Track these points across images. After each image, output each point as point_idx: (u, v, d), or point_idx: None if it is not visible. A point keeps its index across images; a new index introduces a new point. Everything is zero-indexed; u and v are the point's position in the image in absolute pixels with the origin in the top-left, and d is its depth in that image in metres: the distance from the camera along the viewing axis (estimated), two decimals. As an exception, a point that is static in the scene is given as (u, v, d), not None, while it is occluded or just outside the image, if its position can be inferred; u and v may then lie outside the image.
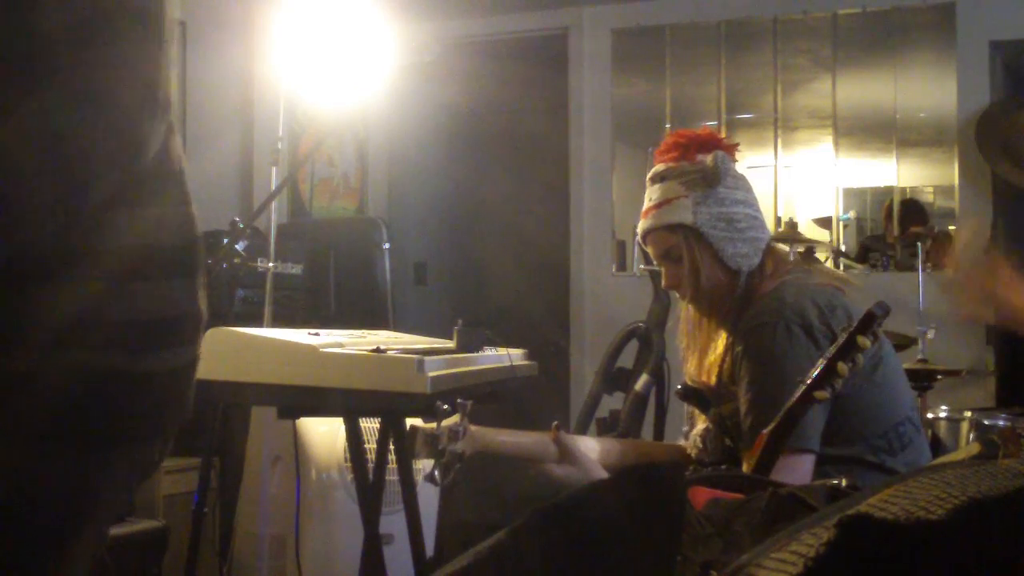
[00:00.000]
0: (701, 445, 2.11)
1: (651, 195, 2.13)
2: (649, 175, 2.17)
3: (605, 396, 3.99)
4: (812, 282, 2.05)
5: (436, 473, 1.86)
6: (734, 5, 5.42)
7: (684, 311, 2.19)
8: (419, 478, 3.02)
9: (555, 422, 2.03)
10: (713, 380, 2.08)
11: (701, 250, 2.05)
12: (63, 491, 1.17)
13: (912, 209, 5.35)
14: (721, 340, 2.09)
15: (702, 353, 2.13)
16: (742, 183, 2.11)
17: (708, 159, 2.08)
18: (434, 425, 1.86)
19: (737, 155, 2.16)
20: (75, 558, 1.19)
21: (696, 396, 2.13)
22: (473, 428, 1.90)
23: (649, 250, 2.18)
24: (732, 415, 2.02)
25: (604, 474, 1.91)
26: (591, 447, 2.11)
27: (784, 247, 2.26)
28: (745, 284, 2.05)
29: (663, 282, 2.18)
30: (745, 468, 1.90)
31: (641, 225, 2.15)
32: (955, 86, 5.06)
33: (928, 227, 5.00)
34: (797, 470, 1.85)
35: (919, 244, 4.38)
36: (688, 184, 2.06)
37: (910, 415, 2.01)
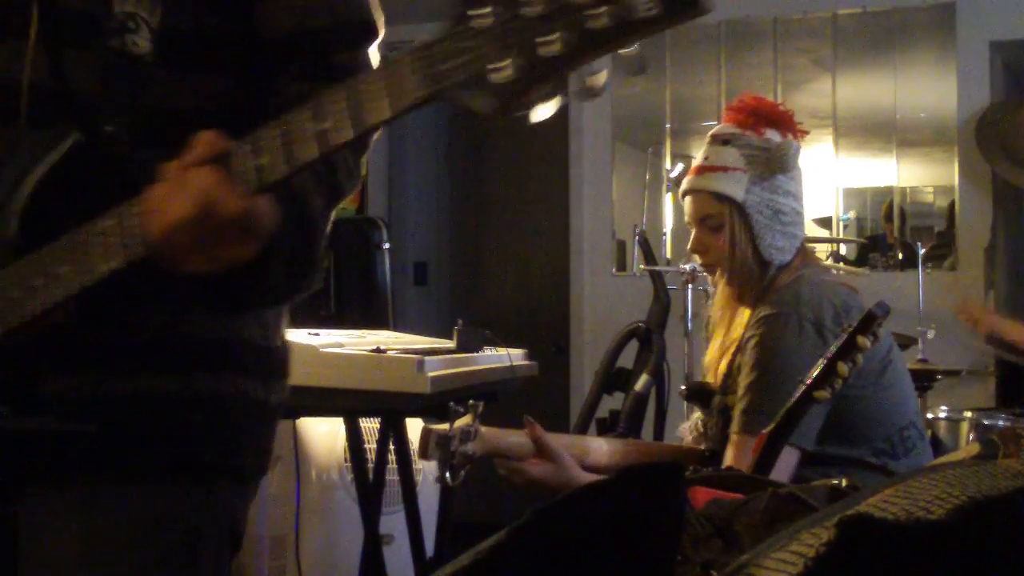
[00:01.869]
0: (702, 430, 2.11)
1: (708, 154, 2.06)
2: (713, 131, 2.10)
3: (605, 396, 4.00)
4: (828, 279, 2.04)
5: (447, 475, 1.86)
6: (734, 5, 5.41)
7: (720, 286, 2.15)
8: (420, 477, 3.02)
9: (526, 416, 1.96)
10: (723, 368, 2.08)
11: (741, 230, 2.02)
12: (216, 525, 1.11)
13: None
14: (740, 326, 2.08)
15: (725, 333, 2.12)
16: (798, 176, 2.08)
17: (780, 142, 2.02)
18: (446, 426, 1.86)
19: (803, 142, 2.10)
20: None
21: (701, 395, 2.13)
22: (484, 429, 1.90)
23: (686, 206, 2.11)
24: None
25: (580, 472, 1.88)
26: (600, 447, 2.10)
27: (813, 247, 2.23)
28: (773, 277, 2.04)
29: (689, 244, 2.13)
30: (729, 450, 1.89)
31: (688, 180, 2.09)
32: (955, 86, 5.05)
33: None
34: (780, 463, 1.84)
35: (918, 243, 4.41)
36: (750, 159, 2.01)
37: (914, 420, 2.00)
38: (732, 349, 2.07)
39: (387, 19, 1.20)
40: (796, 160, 2.03)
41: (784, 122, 2.07)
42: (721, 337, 2.13)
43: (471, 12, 0.73)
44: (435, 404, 2.15)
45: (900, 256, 5.27)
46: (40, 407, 1.01)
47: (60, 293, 0.94)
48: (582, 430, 3.87)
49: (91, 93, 1.04)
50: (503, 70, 0.72)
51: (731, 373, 2.05)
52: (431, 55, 0.77)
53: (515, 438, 1.96)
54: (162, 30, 1.05)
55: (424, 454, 1.85)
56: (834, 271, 2.22)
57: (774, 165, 2.01)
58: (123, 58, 1.04)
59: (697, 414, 2.18)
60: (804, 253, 2.11)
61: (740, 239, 2.02)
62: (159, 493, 1.05)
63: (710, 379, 2.14)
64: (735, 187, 2.01)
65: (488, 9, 0.72)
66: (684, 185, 2.11)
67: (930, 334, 3.77)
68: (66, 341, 1.01)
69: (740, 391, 1.94)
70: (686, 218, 2.14)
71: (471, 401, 1.90)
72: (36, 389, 1.02)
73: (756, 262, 2.04)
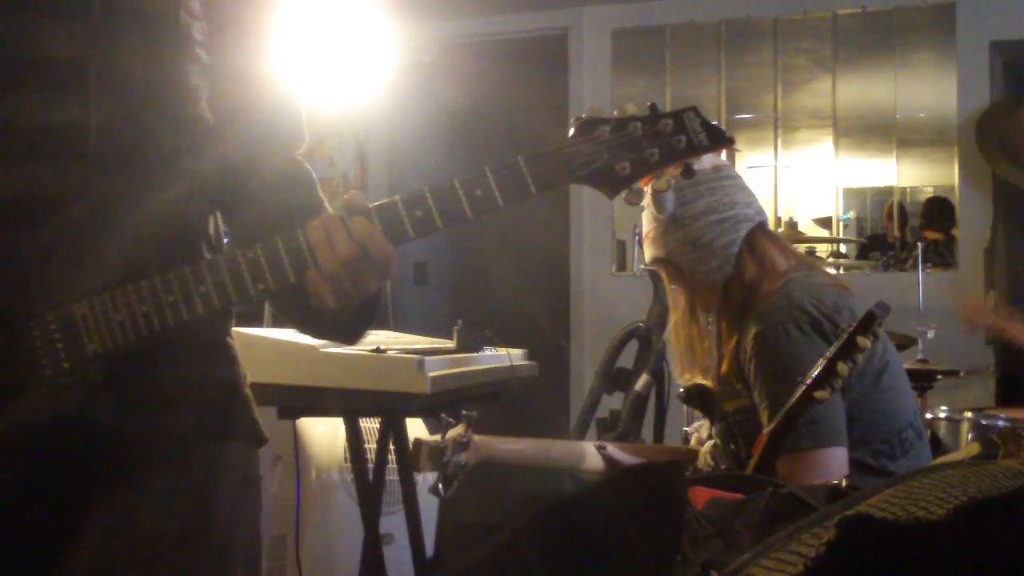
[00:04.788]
0: (712, 464, 2.10)
1: (643, 225, 2.15)
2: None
3: (605, 396, 3.99)
4: (817, 281, 2.03)
5: (440, 485, 1.85)
6: (734, 5, 5.42)
7: (672, 324, 2.17)
8: (419, 478, 3.02)
9: (597, 443, 2.07)
10: (714, 380, 2.08)
11: (682, 277, 2.07)
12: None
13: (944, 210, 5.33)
14: (724, 339, 2.08)
15: (701, 368, 2.12)
16: (704, 188, 2.03)
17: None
18: (438, 437, 1.86)
19: (736, 155, 2.12)
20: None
21: (698, 398, 2.12)
22: (476, 438, 1.90)
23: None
24: (737, 412, 2.00)
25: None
26: (593, 452, 2.10)
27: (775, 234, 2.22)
28: (728, 291, 2.03)
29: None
30: (795, 466, 1.88)
31: (645, 254, 2.18)
32: (955, 86, 5.06)
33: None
34: (831, 464, 1.85)
35: (919, 244, 4.41)
36: (654, 216, 2.07)
37: (912, 421, 2.00)
38: (718, 358, 2.07)
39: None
40: (665, 196, 2.00)
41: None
42: (699, 363, 2.13)
43: (594, 129, 1.10)
44: (435, 404, 2.15)
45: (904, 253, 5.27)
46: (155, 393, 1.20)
47: (201, 311, 1.12)
48: (582, 430, 3.86)
49: (165, 152, 1.18)
50: (625, 167, 1.10)
51: (724, 380, 2.04)
52: (567, 153, 1.11)
53: (508, 445, 1.96)
54: (211, 99, 1.22)
55: (416, 466, 1.85)
56: (825, 271, 2.20)
57: (658, 208, 2.04)
58: (202, 123, 1.21)
59: (705, 447, 2.16)
60: (756, 248, 2.05)
61: (688, 284, 2.08)
62: (229, 449, 1.29)
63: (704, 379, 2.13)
64: (656, 247, 2.08)
65: (605, 128, 1.10)
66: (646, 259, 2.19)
67: (930, 334, 3.76)
68: (179, 343, 1.19)
69: (765, 419, 1.90)
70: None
71: (464, 411, 1.90)
72: (155, 383, 1.19)
73: (708, 290, 2.06)
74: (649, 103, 1.13)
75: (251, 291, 1.12)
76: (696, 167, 2.00)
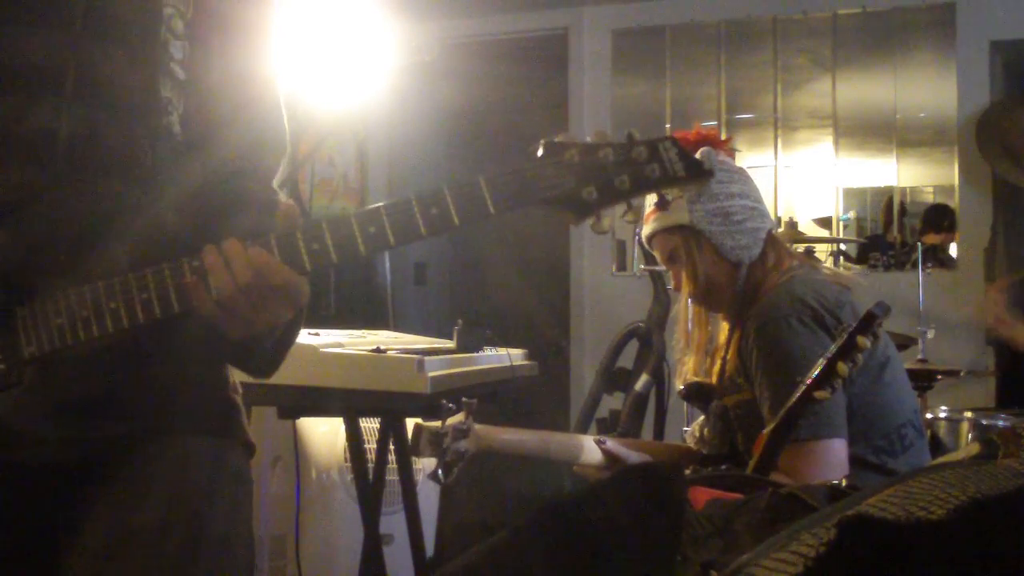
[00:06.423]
0: (698, 435, 2.11)
1: (651, 199, 2.12)
2: None
3: (605, 396, 3.99)
4: (820, 278, 2.04)
5: (439, 472, 1.86)
6: (734, 5, 5.41)
7: (682, 310, 2.18)
8: (420, 477, 3.02)
9: (597, 436, 2.06)
10: (715, 377, 2.08)
11: (701, 248, 2.05)
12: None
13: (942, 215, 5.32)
14: (723, 334, 2.09)
15: (701, 350, 2.13)
16: (738, 176, 2.09)
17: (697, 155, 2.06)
18: (438, 423, 1.86)
19: (736, 154, 2.14)
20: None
21: (698, 395, 2.13)
22: (477, 427, 1.90)
23: (655, 254, 2.19)
24: (736, 407, 2.01)
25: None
26: (593, 448, 2.10)
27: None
28: (748, 276, 2.05)
29: (672, 284, 2.18)
30: (795, 459, 1.88)
31: (644, 229, 2.15)
32: (955, 86, 5.06)
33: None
34: (830, 455, 1.85)
35: (919, 245, 4.42)
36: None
37: (912, 418, 2.01)
38: (721, 353, 2.08)
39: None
40: (716, 161, 2.03)
41: (703, 143, 2.08)
42: (699, 357, 2.14)
43: (562, 152, 1.05)
44: (435, 404, 2.15)
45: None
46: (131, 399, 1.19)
47: (112, 326, 1.09)
48: (582, 430, 3.86)
49: (131, 159, 1.18)
50: (592, 192, 1.04)
51: (725, 375, 2.05)
52: (531, 175, 1.05)
53: (509, 435, 1.96)
54: (184, 115, 1.23)
55: (415, 451, 1.85)
56: (827, 270, 2.22)
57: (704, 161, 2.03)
58: (170, 135, 1.21)
59: (697, 421, 2.17)
60: (776, 245, 2.10)
61: (704, 256, 2.06)
62: (220, 445, 1.28)
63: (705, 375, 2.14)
64: (679, 214, 2.06)
65: (574, 151, 1.04)
66: (643, 235, 2.17)
67: (930, 334, 3.76)
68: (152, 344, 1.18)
69: (765, 413, 1.92)
70: (660, 264, 2.20)
71: (464, 399, 1.91)
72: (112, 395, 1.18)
73: (726, 269, 2.05)
74: (627, 132, 1.08)
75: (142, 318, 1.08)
76: (723, 166, 2.05)
